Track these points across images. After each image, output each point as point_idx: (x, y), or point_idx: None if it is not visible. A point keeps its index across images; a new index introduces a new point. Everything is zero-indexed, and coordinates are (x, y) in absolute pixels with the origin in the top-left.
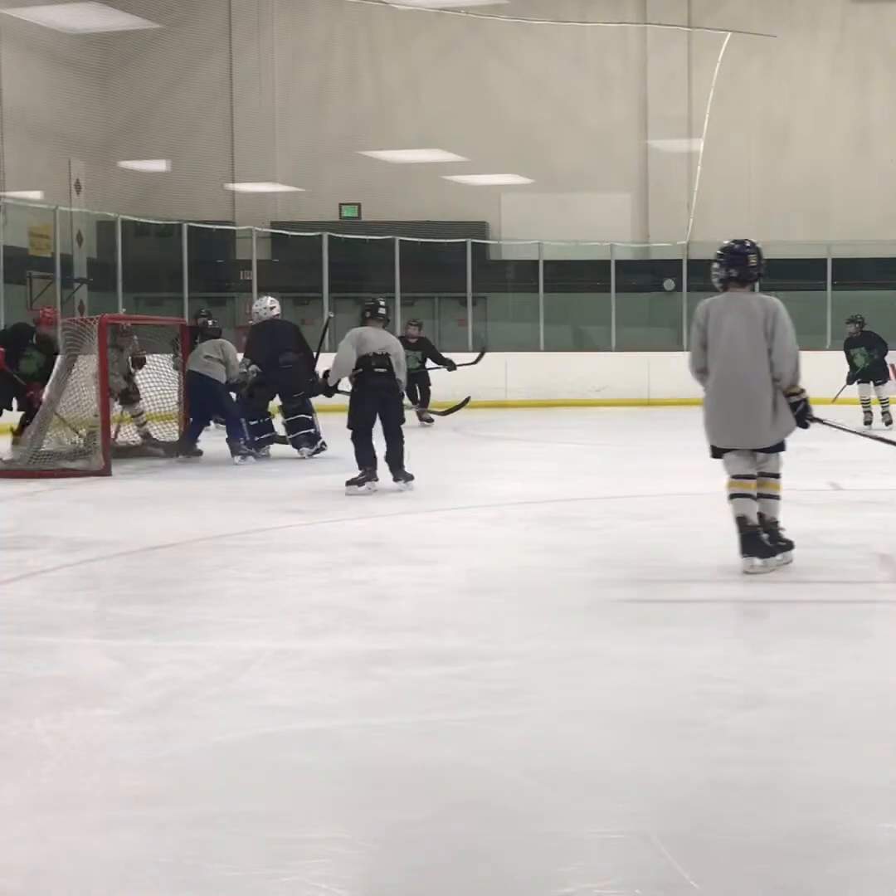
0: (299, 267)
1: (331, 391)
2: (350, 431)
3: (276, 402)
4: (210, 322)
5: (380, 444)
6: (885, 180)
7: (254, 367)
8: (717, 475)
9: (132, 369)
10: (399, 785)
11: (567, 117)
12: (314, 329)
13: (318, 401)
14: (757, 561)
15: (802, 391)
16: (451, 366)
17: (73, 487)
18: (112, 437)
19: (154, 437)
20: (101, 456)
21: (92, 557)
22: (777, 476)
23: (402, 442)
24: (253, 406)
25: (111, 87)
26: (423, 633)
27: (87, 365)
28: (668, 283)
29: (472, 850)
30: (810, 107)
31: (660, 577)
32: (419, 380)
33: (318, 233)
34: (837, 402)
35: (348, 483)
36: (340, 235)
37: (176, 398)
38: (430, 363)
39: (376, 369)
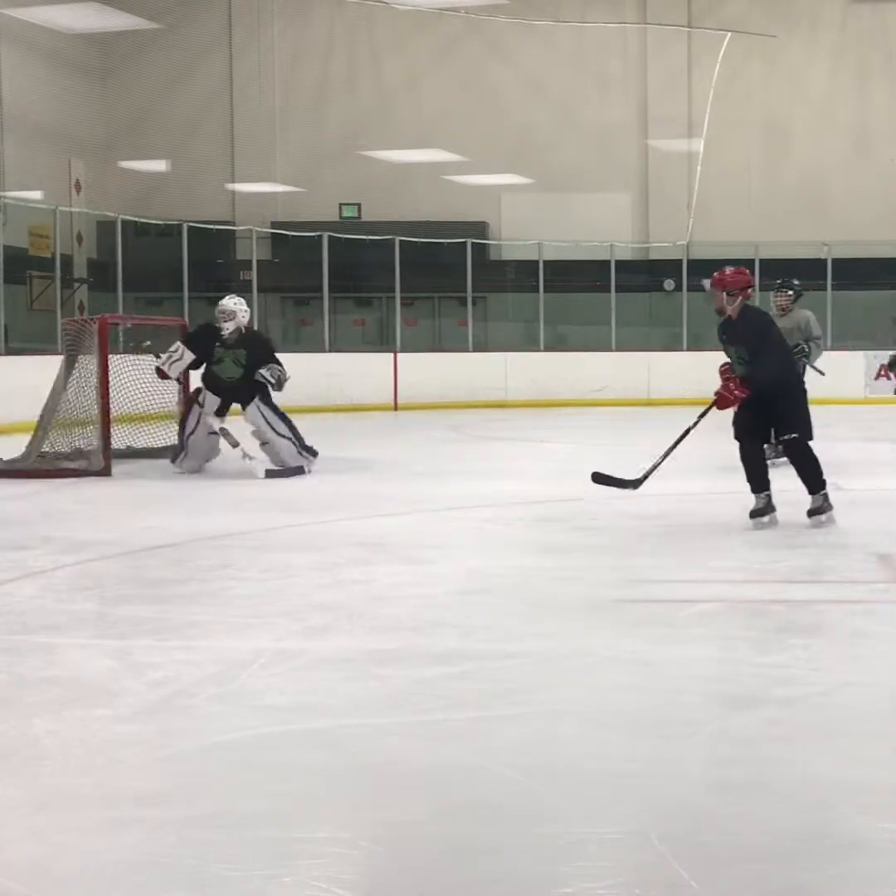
0: (299, 267)
1: None
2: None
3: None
4: None
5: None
6: (884, 180)
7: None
8: (716, 475)
9: None
10: (399, 785)
11: (567, 117)
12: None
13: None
14: None
15: None
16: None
17: (73, 487)
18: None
19: None
20: (101, 456)
21: (92, 557)
22: None
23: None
24: None
25: (111, 87)
26: (423, 633)
27: (88, 365)
28: (668, 283)
29: (472, 850)
30: (810, 107)
31: (660, 577)
32: None
33: (318, 233)
34: None
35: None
36: (340, 235)
37: (176, 398)
38: None
39: None
